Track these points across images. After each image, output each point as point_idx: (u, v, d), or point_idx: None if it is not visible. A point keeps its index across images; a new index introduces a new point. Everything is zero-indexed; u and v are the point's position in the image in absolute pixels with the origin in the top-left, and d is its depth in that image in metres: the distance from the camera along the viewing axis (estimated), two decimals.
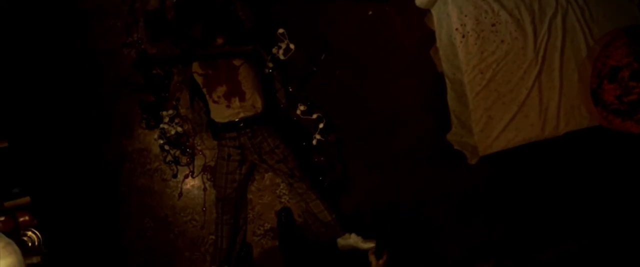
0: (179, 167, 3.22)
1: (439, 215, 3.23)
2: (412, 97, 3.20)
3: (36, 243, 2.36)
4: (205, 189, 3.24)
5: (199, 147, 3.22)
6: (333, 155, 3.18)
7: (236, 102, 2.90)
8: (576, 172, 3.14)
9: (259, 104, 2.94)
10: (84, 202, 3.08)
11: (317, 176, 3.17)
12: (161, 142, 3.16)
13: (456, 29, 2.70)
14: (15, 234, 2.33)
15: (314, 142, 3.17)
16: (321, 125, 3.15)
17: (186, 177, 3.24)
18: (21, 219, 2.35)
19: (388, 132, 3.21)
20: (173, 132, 3.15)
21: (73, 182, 3.06)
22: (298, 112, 3.18)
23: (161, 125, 3.15)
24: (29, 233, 2.34)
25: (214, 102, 2.91)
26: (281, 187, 3.22)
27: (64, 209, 2.95)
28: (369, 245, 2.99)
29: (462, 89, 2.81)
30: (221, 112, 2.93)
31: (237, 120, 2.92)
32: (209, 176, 3.23)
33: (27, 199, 2.38)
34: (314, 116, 3.16)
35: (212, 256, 3.19)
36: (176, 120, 3.17)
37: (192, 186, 3.24)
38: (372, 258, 2.36)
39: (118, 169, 3.17)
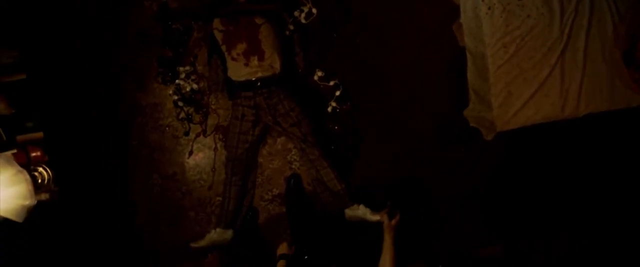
0: (191, 125, 3.20)
1: (447, 198, 3.20)
2: (430, 73, 3.16)
3: (46, 180, 2.34)
4: (216, 149, 3.21)
5: (213, 106, 3.20)
6: (347, 124, 3.16)
7: (255, 61, 2.88)
8: (589, 163, 3.08)
9: (277, 65, 2.92)
10: (95, 148, 3.06)
11: (329, 144, 3.14)
12: (175, 98, 3.14)
13: (482, 1, 2.68)
14: (26, 169, 2.30)
15: (329, 109, 3.14)
16: (337, 93, 3.12)
17: (198, 135, 3.21)
18: (33, 154, 2.33)
19: (403, 106, 3.16)
20: (188, 88, 3.13)
21: (86, 126, 3.04)
22: (315, 77, 3.15)
23: (177, 81, 3.14)
24: (40, 169, 2.32)
25: (233, 59, 2.90)
26: (293, 153, 3.19)
27: (76, 151, 2.92)
28: (377, 217, 2.95)
29: (483, 63, 2.77)
30: (239, 70, 2.91)
31: (254, 79, 2.90)
32: (220, 136, 3.21)
33: (40, 134, 2.36)
34: (331, 83, 3.13)
35: (217, 217, 3.17)
36: (192, 77, 3.15)
37: (203, 145, 3.22)
38: (384, 218, 2.31)
39: (130, 122, 3.15)
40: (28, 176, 2.06)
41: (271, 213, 3.23)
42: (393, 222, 2.28)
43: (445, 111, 3.14)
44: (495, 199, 3.12)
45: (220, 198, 3.16)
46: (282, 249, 2.50)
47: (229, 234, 3.10)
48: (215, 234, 3.10)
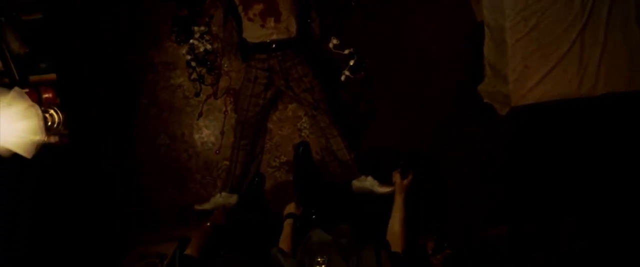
0: (203, 86, 3.18)
1: (457, 175, 3.16)
2: (446, 47, 3.13)
3: (56, 123, 2.30)
4: (226, 112, 3.18)
5: (225, 68, 3.17)
6: (359, 94, 3.13)
7: (271, 22, 2.85)
8: (603, 145, 3.04)
9: (293, 28, 2.88)
10: (106, 100, 3.04)
11: (340, 113, 3.10)
12: (188, 57, 3.12)
13: None
14: None
15: (343, 78, 3.12)
16: (352, 62, 3.09)
17: (208, 97, 3.19)
18: (45, 96, 2.29)
19: (417, 78, 3.14)
20: (202, 49, 3.10)
21: (98, 76, 3.01)
22: (330, 45, 3.12)
23: (191, 41, 3.11)
24: (51, 111, 2.27)
25: (249, 19, 2.86)
26: (303, 120, 3.17)
27: (86, 99, 2.90)
28: (385, 190, 2.93)
29: (501, 36, 2.74)
30: (254, 31, 2.87)
31: (269, 41, 2.86)
32: (231, 100, 3.17)
33: (53, 75, 2.33)
34: (346, 52, 3.10)
35: (223, 181, 3.14)
36: (207, 37, 3.12)
37: (213, 107, 3.19)
38: (396, 177, 2.27)
39: (141, 79, 3.12)
40: (39, 111, 2.02)
41: (278, 180, 3.19)
42: (405, 182, 2.24)
43: (459, 87, 3.11)
44: (505, 178, 3.09)
45: (227, 162, 3.13)
46: (290, 208, 2.47)
47: (234, 198, 3.07)
48: (221, 198, 3.07)
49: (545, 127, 3.00)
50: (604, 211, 2.98)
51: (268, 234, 2.57)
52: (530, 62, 2.70)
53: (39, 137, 2.05)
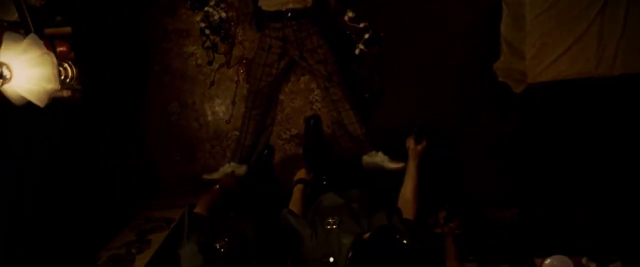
0: (216, 54, 3.15)
1: (471, 153, 3.13)
2: (462, 25, 3.09)
3: (69, 77, 2.28)
4: (237, 82, 3.17)
5: (239, 38, 3.15)
6: (373, 68, 3.10)
7: None
8: (617, 126, 3.00)
9: None
10: (119, 61, 3.02)
11: (354, 87, 3.06)
12: (203, 25, 3.10)
13: None
14: None
15: (357, 51, 3.08)
16: (366, 36, 3.06)
17: (221, 66, 3.17)
18: (59, 49, 2.27)
19: (432, 55, 3.10)
20: (217, 16, 3.08)
21: (113, 36, 3.00)
22: (345, 18, 3.08)
23: (206, 8, 3.08)
24: (65, 65, 2.24)
25: None
26: (315, 93, 3.15)
27: (100, 57, 2.87)
28: (395, 166, 2.90)
29: (520, 11, 2.71)
30: (270, 0, 2.86)
31: (284, 10, 2.83)
32: (243, 69, 3.16)
33: (68, 29, 2.31)
34: (361, 25, 3.07)
35: (233, 152, 3.13)
36: (222, 5, 3.09)
37: (226, 76, 3.17)
38: (410, 143, 2.23)
39: (155, 45, 3.11)
40: (54, 59, 2.00)
41: (287, 153, 3.18)
42: (419, 147, 2.19)
43: (474, 65, 3.08)
44: (517, 159, 3.06)
45: (237, 133, 3.12)
46: (300, 174, 2.44)
47: (242, 169, 3.06)
48: (229, 168, 3.06)
49: (561, 106, 2.97)
50: (616, 199, 2.96)
51: (277, 203, 2.56)
52: (548, 39, 2.67)
53: (53, 85, 2.02)
